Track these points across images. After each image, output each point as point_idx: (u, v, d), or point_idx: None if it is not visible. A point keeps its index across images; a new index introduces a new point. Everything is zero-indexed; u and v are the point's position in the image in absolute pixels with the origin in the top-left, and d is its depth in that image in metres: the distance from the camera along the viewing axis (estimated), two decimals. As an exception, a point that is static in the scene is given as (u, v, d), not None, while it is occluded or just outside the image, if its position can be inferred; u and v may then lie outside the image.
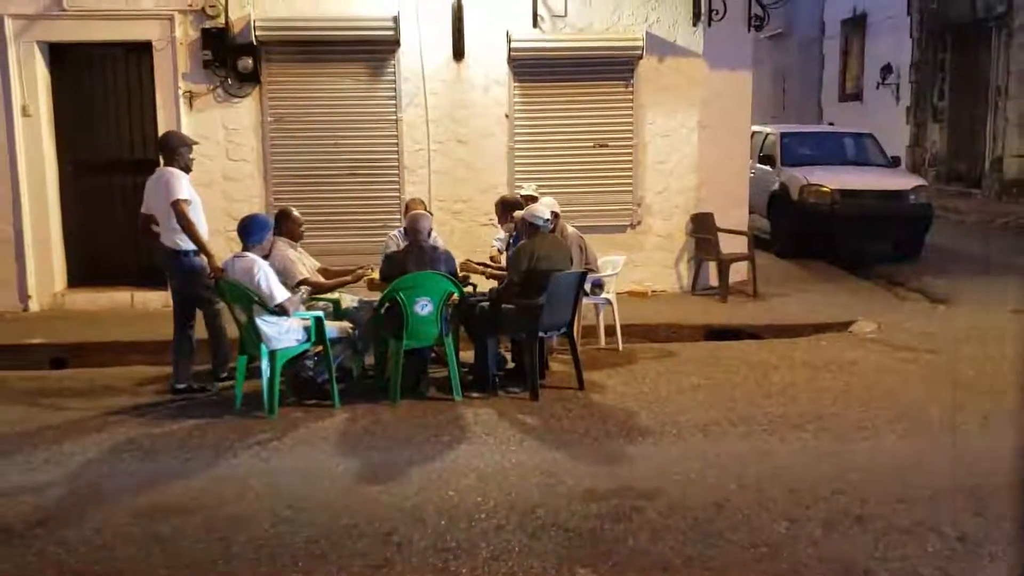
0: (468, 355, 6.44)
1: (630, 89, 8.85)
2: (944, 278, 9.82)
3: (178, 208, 5.99)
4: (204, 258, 6.13)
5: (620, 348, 7.23)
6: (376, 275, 6.31)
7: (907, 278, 9.87)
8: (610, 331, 7.28)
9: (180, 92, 8.42)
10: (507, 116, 8.75)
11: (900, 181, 11.86)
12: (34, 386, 6.55)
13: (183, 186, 6.07)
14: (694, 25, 8.78)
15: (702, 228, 9.05)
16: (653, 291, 9.12)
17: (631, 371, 6.69)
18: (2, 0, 8.23)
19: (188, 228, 6.02)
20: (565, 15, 8.66)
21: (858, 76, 20.78)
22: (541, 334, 6.13)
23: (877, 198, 11.36)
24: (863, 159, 12.68)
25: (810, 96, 22.49)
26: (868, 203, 11.22)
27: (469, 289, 6.52)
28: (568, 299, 6.23)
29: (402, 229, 6.61)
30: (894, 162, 12.87)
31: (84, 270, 8.83)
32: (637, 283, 8.99)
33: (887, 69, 19.15)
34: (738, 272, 9.24)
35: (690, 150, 8.99)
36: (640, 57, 8.72)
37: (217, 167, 8.52)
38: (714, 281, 9.09)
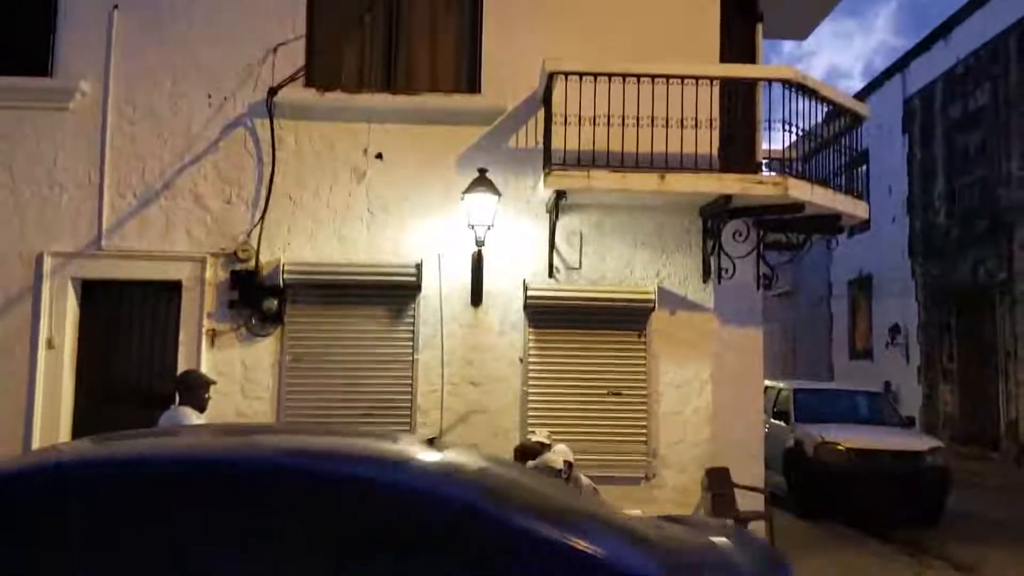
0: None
1: (643, 339, 9.03)
2: (969, 545, 9.47)
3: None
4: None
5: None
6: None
7: (930, 544, 9.52)
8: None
9: (203, 330, 8.66)
10: (521, 360, 8.89)
11: (916, 442, 11.75)
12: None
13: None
14: (704, 282, 9.09)
15: (718, 483, 8.88)
16: (667, 546, 8.79)
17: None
18: (44, 238, 8.69)
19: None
20: (579, 267, 9.02)
21: (867, 335, 21.17)
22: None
23: (893, 458, 11.21)
24: (877, 418, 12.64)
25: (821, 353, 22.81)
26: (884, 463, 11.07)
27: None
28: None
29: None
30: (909, 422, 12.82)
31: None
32: (650, 537, 8.70)
33: (895, 329, 19.54)
34: (755, 530, 8.94)
35: (704, 402, 9.02)
36: (652, 309, 8.97)
37: (231, 404, 8.58)
38: (730, 538, 8.78)
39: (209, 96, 8.92)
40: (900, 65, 19.88)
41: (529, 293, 8.85)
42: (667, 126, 8.38)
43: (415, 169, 8.94)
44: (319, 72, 9.07)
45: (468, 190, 8.55)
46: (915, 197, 19.18)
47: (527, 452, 6.85)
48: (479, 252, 8.78)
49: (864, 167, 18.96)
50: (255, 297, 8.66)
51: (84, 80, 8.79)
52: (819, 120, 9.06)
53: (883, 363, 19.85)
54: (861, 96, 20.83)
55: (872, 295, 20.96)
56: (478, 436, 8.71)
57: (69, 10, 8.93)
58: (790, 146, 9.04)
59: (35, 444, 8.42)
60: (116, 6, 8.91)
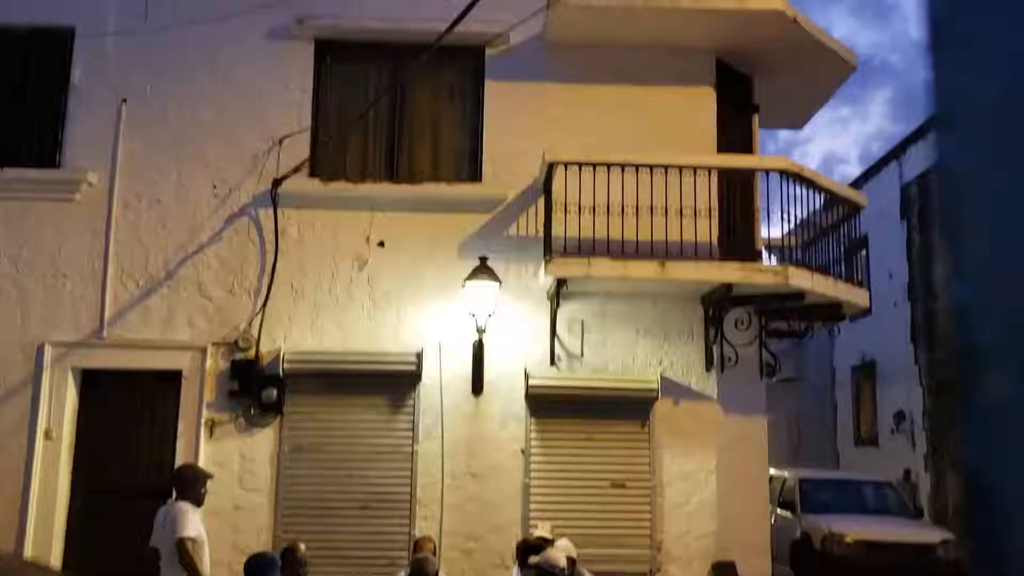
0: None
1: (646, 430, 8.93)
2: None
3: (183, 546, 5.87)
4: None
5: None
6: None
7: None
8: None
9: (202, 420, 8.58)
10: (523, 451, 8.78)
11: (927, 533, 11.51)
12: None
13: (191, 522, 5.99)
14: (707, 371, 9.04)
15: (724, 576, 8.67)
16: (674, 644, 8.54)
17: None
18: (46, 328, 8.69)
19: (191, 568, 5.86)
20: (581, 356, 8.98)
21: (872, 421, 20.95)
22: None
23: (904, 551, 10.96)
24: (885, 508, 12.42)
25: (826, 440, 22.54)
26: (895, 556, 10.82)
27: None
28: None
29: (407, 572, 6.39)
30: (916, 512, 12.59)
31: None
32: (656, 634, 8.45)
33: (900, 416, 19.34)
34: (764, 626, 8.70)
35: (709, 494, 8.87)
36: (655, 399, 8.90)
37: (228, 496, 8.44)
38: (739, 635, 8.53)
39: (214, 187, 9.04)
40: (896, 152, 20.18)
41: (531, 382, 8.79)
42: (667, 215, 8.46)
43: (417, 257, 9.00)
44: (323, 162, 9.21)
45: (469, 278, 8.58)
46: (915, 283, 19.23)
47: (530, 548, 6.70)
48: (480, 340, 8.76)
49: (864, 252, 19.08)
50: (255, 387, 8.61)
51: (91, 171, 8.92)
52: (818, 206, 9.16)
53: (889, 450, 19.59)
54: (859, 182, 21.08)
55: (876, 381, 20.81)
56: (479, 530, 8.55)
57: (78, 103, 9.12)
58: (789, 233, 9.11)
59: (29, 538, 8.27)
60: (125, 99, 9.10)
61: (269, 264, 8.91)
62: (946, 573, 10.80)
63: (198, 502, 6.18)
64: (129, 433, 8.81)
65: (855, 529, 11.00)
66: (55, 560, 8.40)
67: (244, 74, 9.24)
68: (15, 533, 8.28)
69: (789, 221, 8.85)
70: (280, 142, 9.09)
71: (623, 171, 8.37)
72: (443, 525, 8.48)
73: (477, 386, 8.81)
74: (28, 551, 8.26)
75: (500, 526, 8.48)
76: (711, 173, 8.64)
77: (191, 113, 9.16)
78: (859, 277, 9.68)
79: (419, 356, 8.70)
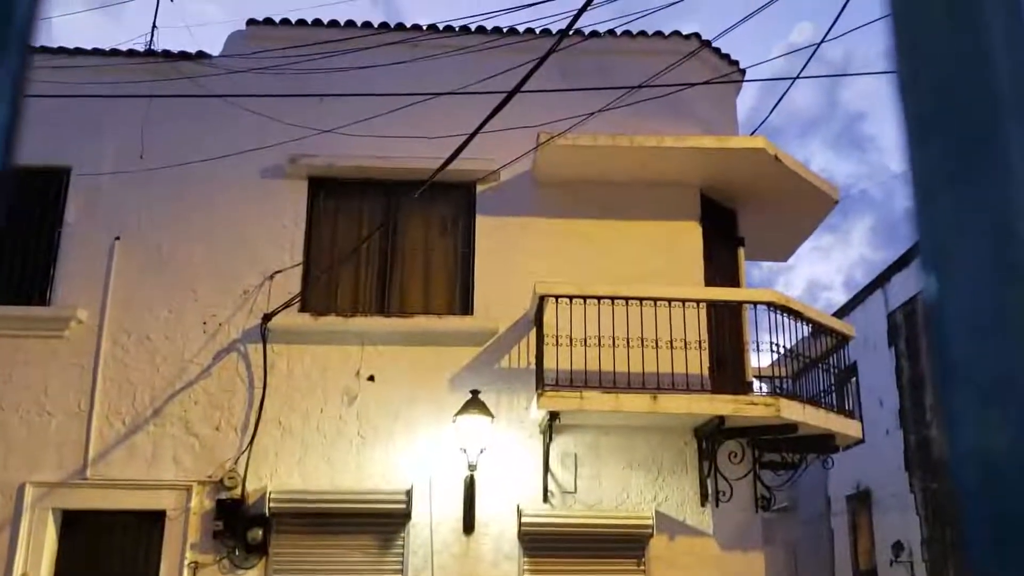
0: None
1: (642, 567, 8.69)
2: None
3: None
4: None
5: None
6: None
7: None
8: None
9: (186, 562, 8.31)
10: (516, 593, 8.50)
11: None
12: None
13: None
14: (702, 505, 8.88)
15: None
16: None
17: None
18: (28, 468, 8.50)
19: None
20: (575, 491, 8.82)
21: (870, 551, 20.49)
22: None
23: None
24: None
25: (824, 570, 21.97)
26: None
27: None
28: None
29: None
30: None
31: None
32: None
33: (898, 546, 18.94)
34: None
35: (708, 634, 8.56)
36: (651, 535, 8.70)
37: (210, 643, 8.09)
38: None
39: (204, 322, 9.04)
40: (881, 280, 20.49)
41: (524, 519, 8.60)
42: (657, 347, 8.49)
43: (407, 390, 8.94)
44: (314, 297, 9.27)
45: (460, 412, 8.51)
46: (906, 410, 19.19)
47: None
48: (471, 476, 8.61)
49: (854, 380, 19.10)
50: (240, 527, 8.39)
51: (81, 308, 8.93)
52: (806, 334, 9.21)
53: (890, 582, 19.10)
54: (846, 309, 21.31)
55: (872, 509, 20.48)
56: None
57: (71, 240, 9.21)
58: (777, 361, 9.13)
59: None
60: (118, 237, 9.21)
61: (257, 399, 8.83)
62: None
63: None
64: (109, 574, 8.51)
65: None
66: None
67: (238, 211, 9.39)
68: None
69: (778, 351, 8.89)
70: (271, 277, 9.16)
71: (613, 303, 8.45)
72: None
73: (468, 524, 8.60)
74: None
75: (493, 674, 8.14)
76: (699, 305, 8.72)
77: (184, 249, 9.26)
78: (850, 407, 9.64)
79: (408, 494, 8.52)
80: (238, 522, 8.40)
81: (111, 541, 8.65)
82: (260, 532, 8.38)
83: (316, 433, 8.82)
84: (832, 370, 9.48)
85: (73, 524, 8.61)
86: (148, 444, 8.67)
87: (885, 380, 19.65)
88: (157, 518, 8.48)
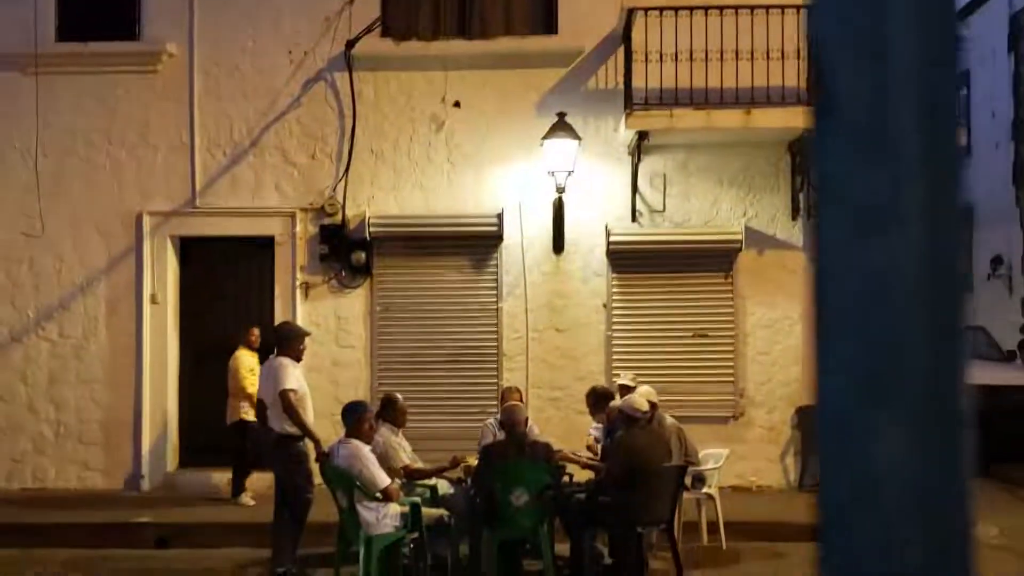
0: (564, 548, 6.27)
1: (730, 280, 8.91)
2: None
3: (285, 398, 6.23)
4: (309, 444, 6.29)
5: (724, 546, 6.92)
6: (473, 461, 6.32)
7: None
8: (713, 528, 7.00)
9: (297, 283, 8.91)
10: (604, 306, 8.89)
11: (1018, 376, 11.36)
12: (141, 566, 6.68)
13: (291, 376, 6.32)
14: (793, 219, 8.88)
15: (809, 421, 8.78)
16: (758, 486, 8.79)
17: (735, 572, 6.37)
18: (142, 199, 9.02)
19: (294, 416, 6.23)
20: (663, 210, 8.92)
21: (968, 266, 20.39)
22: (639, 530, 5.95)
23: (994, 395, 10.84)
24: (977, 352, 12.23)
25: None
26: (985, 400, 10.72)
27: (565, 479, 6.43)
28: (667, 493, 6.07)
29: (497, 418, 6.66)
30: (1009, 356, 12.38)
31: (197, 450, 9.10)
32: (741, 477, 8.70)
33: (997, 260, 18.75)
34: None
35: (794, 342, 8.88)
36: (739, 250, 8.82)
37: (327, 353, 8.84)
38: (823, 477, 8.71)
39: (290, 52, 9.04)
40: (1005, -21, 18.73)
41: (612, 239, 8.80)
42: (752, 59, 8.16)
43: (493, 116, 8.93)
44: (394, 21, 9.08)
45: (547, 136, 8.50)
46: (1020, 121, 18.21)
47: (600, 395, 6.92)
48: (560, 199, 8.75)
49: (965, 91, 18.08)
50: (344, 250, 8.85)
51: (170, 42, 9.00)
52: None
53: (984, 296, 19.13)
54: (964, 14, 19.75)
55: (973, 225, 20.12)
56: (564, 380, 8.80)
57: (152, -27, 9.12)
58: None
59: (146, 390, 8.87)
60: (196, -33, 9.06)
61: (348, 128, 8.98)
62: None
63: (297, 358, 6.50)
64: (228, 296, 9.22)
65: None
66: (171, 416, 9.03)
67: (312, -67, 9.05)
68: (132, 387, 8.89)
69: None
70: (351, 1, 8.97)
71: (706, 14, 8.06)
72: (529, 377, 8.75)
73: (558, 244, 8.87)
74: (145, 408, 8.88)
75: (583, 376, 8.70)
76: (799, 11, 8.21)
77: (262, -23, 9.07)
78: (957, 116, 9.22)
79: (499, 217, 8.77)
80: (341, 246, 8.85)
81: (227, 265, 9.28)
82: (363, 255, 8.84)
83: (407, 160, 9.00)
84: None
85: (190, 250, 9.23)
86: (250, 174, 9.03)
87: (1000, 90, 18.54)
88: (267, 243, 9.00)
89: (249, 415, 7.98)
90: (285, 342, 6.56)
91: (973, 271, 19.97)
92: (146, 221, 8.99)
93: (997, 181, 18.56)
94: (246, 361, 8.20)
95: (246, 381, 8.04)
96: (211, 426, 9.01)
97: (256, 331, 8.34)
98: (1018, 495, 8.74)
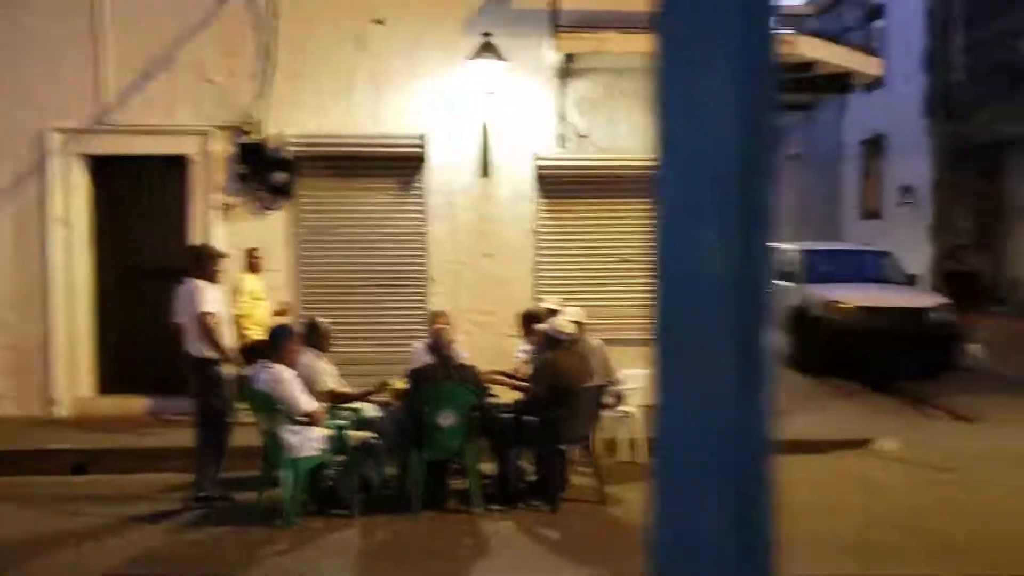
0: (489, 467, 6.41)
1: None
2: (971, 396, 9.71)
3: (202, 320, 6.13)
4: (228, 368, 6.23)
5: (642, 462, 7.16)
6: (400, 384, 6.36)
7: (932, 395, 9.77)
8: (634, 445, 7.23)
9: (219, 204, 8.68)
10: (532, 231, 8.93)
11: (922, 299, 11.88)
12: (57, 492, 6.57)
13: (209, 298, 6.22)
14: (716, 145, 8.97)
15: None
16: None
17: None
18: (48, 115, 8.60)
19: (212, 339, 6.15)
20: (589, 135, 8.93)
21: (878, 195, 21.03)
22: (562, 447, 6.11)
23: (900, 315, 11.34)
24: (883, 277, 12.73)
25: (830, 214, 22.74)
26: (891, 320, 11.21)
27: (492, 401, 6.53)
28: (589, 412, 6.23)
29: (426, 342, 6.70)
30: (911, 280, 12.93)
31: (113, 376, 8.92)
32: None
33: (906, 189, 19.40)
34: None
35: (712, 266, 9.06)
36: (663, 175, 8.90)
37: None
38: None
39: (204, -38, 8.63)
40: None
41: (539, 163, 8.80)
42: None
43: (417, 35, 8.74)
44: (317, -66, 8.74)
45: (472, 56, 8.38)
46: (933, 54, 18.67)
47: (531, 317, 7.00)
48: (485, 122, 8.67)
49: (880, 23, 18.41)
50: (264, 171, 8.64)
51: (76, -51, 8.49)
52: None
53: (893, 223, 19.81)
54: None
55: (885, 155, 20.70)
56: (493, 305, 8.85)
57: None
58: (807, 2, 8.77)
59: (56, 320, 8.60)
60: None
61: (268, 45, 8.68)
62: (939, 334, 11.25)
63: (212, 279, 6.39)
64: (142, 217, 8.94)
65: (853, 296, 11.32)
66: (85, 340, 8.79)
67: None
68: (43, 320, 8.60)
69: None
70: (270, -89, 8.58)
71: (633, -65, 7.95)
72: (457, 300, 8.77)
73: (485, 168, 8.83)
74: (57, 332, 8.62)
75: (511, 300, 8.75)
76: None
77: None
78: (872, 47, 9.41)
79: (422, 138, 8.66)
80: (262, 166, 8.64)
81: (140, 185, 8.97)
82: (285, 176, 8.65)
83: (329, 79, 8.76)
84: (862, 5, 9.10)
85: (101, 170, 8.88)
86: (164, 90, 8.66)
87: (913, 21, 18.92)
88: (181, 162, 8.72)
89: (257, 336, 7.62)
90: (199, 264, 6.43)
91: (883, 200, 20.64)
92: (53, 138, 8.60)
93: (909, 112, 19.09)
94: (248, 286, 8.06)
95: (247, 307, 7.92)
96: (129, 351, 8.85)
97: (257, 252, 8.23)
98: (923, 411, 9.22)
